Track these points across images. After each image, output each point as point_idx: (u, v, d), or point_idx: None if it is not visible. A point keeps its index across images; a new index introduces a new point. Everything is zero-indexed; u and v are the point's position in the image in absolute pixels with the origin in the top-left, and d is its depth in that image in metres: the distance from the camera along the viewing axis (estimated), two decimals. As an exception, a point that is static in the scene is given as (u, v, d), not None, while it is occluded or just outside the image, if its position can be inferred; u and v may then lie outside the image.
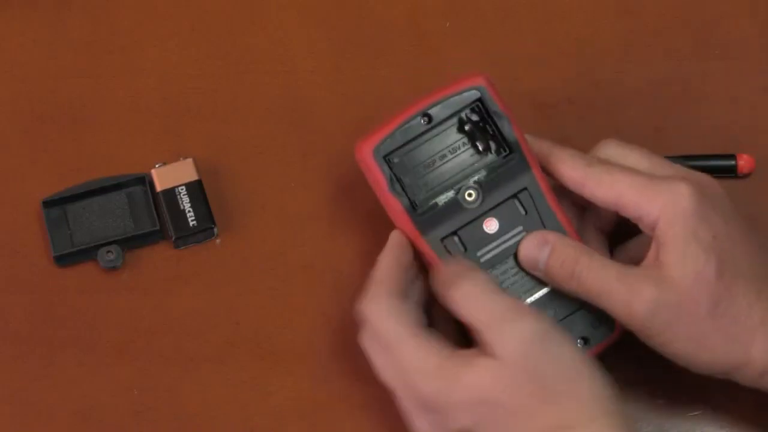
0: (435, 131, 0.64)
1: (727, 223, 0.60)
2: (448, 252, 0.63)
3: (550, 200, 0.64)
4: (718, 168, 0.70)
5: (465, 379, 0.57)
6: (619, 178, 0.61)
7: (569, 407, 0.56)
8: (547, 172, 0.64)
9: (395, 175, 0.63)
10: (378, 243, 0.66)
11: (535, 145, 0.64)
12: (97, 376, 0.66)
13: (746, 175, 0.71)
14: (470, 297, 0.59)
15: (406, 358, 0.58)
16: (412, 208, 0.63)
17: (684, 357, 0.59)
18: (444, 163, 0.64)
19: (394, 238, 0.63)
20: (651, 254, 0.59)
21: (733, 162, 0.70)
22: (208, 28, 0.77)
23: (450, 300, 0.59)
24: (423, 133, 0.64)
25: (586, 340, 0.63)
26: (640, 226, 0.61)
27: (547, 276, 0.62)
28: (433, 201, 0.64)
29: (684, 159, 0.69)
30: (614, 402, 0.57)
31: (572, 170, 0.62)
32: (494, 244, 0.64)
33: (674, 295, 0.58)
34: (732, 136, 0.73)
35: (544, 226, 0.63)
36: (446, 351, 0.58)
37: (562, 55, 0.76)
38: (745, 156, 0.70)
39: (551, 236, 0.62)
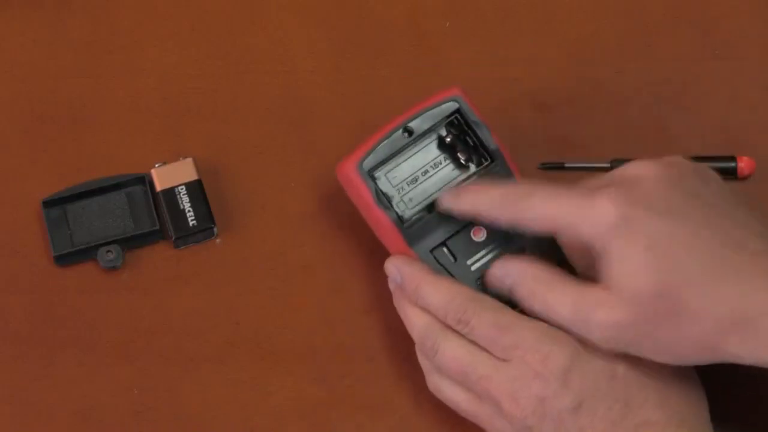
0: (416, 146, 0.65)
1: (670, 213, 0.56)
2: (438, 263, 0.63)
3: None
4: (718, 170, 0.70)
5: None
6: (548, 200, 0.58)
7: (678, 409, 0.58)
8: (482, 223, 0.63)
9: (380, 190, 0.64)
10: (378, 243, 0.66)
11: (460, 204, 0.63)
12: (97, 376, 0.66)
13: (746, 177, 0.71)
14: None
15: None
16: (400, 221, 0.63)
17: (663, 360, 0.57)
18: (427, 179, 0.65)
19: (393, 262, 0.64)
20: (601, 270, 0.57)
21: (733, 164, 0.70)
22: (208, 28, 0.77)
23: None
24: (405, 147, 0.64)
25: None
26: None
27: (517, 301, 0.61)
28: (420, 214, 0.64)
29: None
30: (704, 418, 0.59)
31: (499, 205, 0.60)
32: (483, 252, 0.64)
33: (626, 314, 0.55)
34: (732, 136, 0.73)
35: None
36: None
37: (562, 55, 0.76)
38: (745, 158, 0.70)
39: (513, 267, 0.61)
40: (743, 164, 0.70)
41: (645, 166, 0.58)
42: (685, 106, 0.74)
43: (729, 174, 0.70)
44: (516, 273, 0.60)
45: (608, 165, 0.70)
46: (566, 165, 0.71)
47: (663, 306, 0.55)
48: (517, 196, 0.60)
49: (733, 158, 0.70)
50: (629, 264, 0.55)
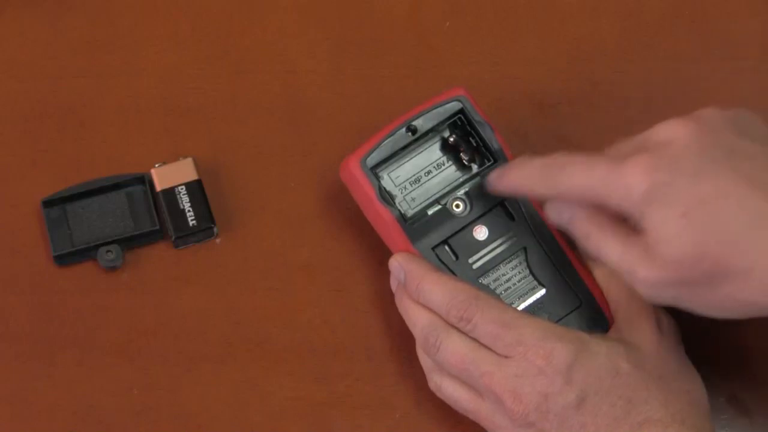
0: (420, 145, 0.65)
1: (704, 174, 0.54)
2: (440, 261, 0.63)
3: (536, 205, 0.64)
4: None
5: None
6: (585, 170, 0.58)
7: (680, 406, 0.58)
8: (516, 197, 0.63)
9: (383, 188, 0.64)
10: (378, 243, 0.66)
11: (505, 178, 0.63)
12: (97, 376, 0.66)
13: None
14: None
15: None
16: (402, 218, 0.63)
17: (707, 314, 0.56)
18: (430, 179, 0.65)
19: (398, 258, 0.64)
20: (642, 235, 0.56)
21: None
22: (208, 28, 0.77)
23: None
24: (408, 145, 0.64)
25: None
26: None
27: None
28: (422, 211, 0.64)
29: None
30: (706, 416, 0.59)
31: (538, 177, 0.60)
32: (485, 250, 0.64)
33: (666, 275, 0.55)
34: (732, 136, 0.73)
35: (532, 231, 0.64)
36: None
37: (562, 55, 0.76)
38: None
39: (568, 206, 0.60)
40: None
41: (675, 127, 0.56)
42: (684, 106, 0.74)
43: None
44: (572, 211, 0.59)
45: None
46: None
47: (704, 268, 0.54)
48: (554, 168, 0.59)
49: None
50: (665, 231, 0.54)
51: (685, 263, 0.54)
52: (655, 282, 0.55)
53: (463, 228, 0.64)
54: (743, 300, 0.54)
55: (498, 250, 0.64)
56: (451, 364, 0.60)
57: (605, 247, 0.57)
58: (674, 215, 0.54)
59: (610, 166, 0.56)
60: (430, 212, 0.64)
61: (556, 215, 0.60)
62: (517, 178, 0.62)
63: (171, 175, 0.70)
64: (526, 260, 0.64)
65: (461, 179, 0.65)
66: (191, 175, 0.70)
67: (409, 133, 0.65)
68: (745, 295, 0.54)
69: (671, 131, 0.56)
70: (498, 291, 0.63)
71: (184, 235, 0.69)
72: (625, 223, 0.57)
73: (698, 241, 0.54)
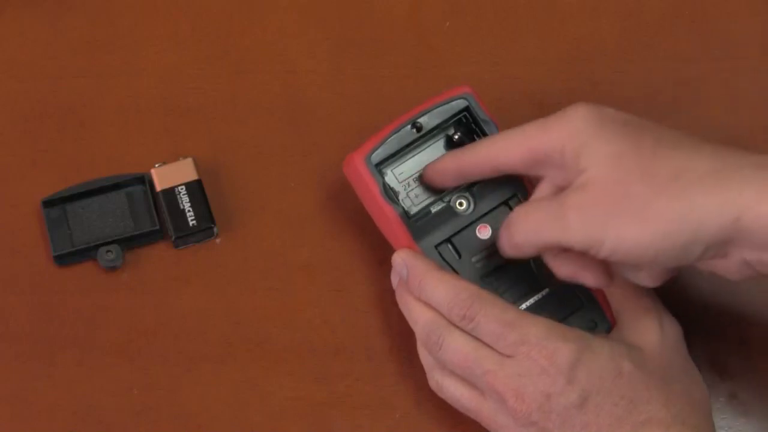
0: (424, 143, 0.65)
1: (639, 118, 0.58)
2: (443, 259, 0.63)
3: None
4: None
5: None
6: (520, 134, 0.60)
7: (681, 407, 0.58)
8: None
9: (387, 185, 0.64)
10: (378, 243, 0.66)
11: (441, 165, 0.64)
12: (97, 376, 0.66)
13: None
14: None
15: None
16: (406, 215, 0.63)
17: (640, 247, 0.55)
18: None
19: (401, 254, 0.64)
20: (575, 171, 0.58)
21: None
22: (208, 28, 0.77)
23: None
24: (413, 143, 0.64)
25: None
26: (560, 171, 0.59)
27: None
28: (426, 209, 0.64)
29: None
30: (707, 417, 0.59)
31: (476, 154, 0.62)
32: (488, 250, 0.64)
33: (595, 187, 0.56)
34: (732, 136, 0.72)
35: None
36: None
37: (562, 55, 0.76)
38: None
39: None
40: None
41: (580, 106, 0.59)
42: (685, 106, 0.74)
43: None
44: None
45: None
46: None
47: (640, 159, 0.56)
48: (488, 141, 0.62)
49: None
50: (604, 139, 0.57)
51: (617, 160, 0.56)
52: (581, 200, 0.56)
53: (466, 226, 0.64)
54: (675, 208, 0.55)
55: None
56: (454, 362, 0.60)
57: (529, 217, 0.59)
58: (614, 125, 0.57)
59: (547, 118, 0.60)
60: (433, 210, 0.64)
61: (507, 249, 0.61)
62: (456, 161, 0.63)
63: (171, 175, 0.70)
64: (529, 260, 0.64)
65: None
66: (191, 175, 0.70)
67: (414, 130, 0.64)
68: (676, 197, 0.55)
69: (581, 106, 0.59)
70: (500, 290, 0.63)
71: (184, 235, 0.69)
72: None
73: (636, 139, 0.57)
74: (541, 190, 0.60)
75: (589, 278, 0.59)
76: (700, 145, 0.57)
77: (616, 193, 0.56)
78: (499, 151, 0.61)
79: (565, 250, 0.58)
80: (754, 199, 0.53)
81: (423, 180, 0.64)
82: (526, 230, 0.59)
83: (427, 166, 0.64)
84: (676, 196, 0.55)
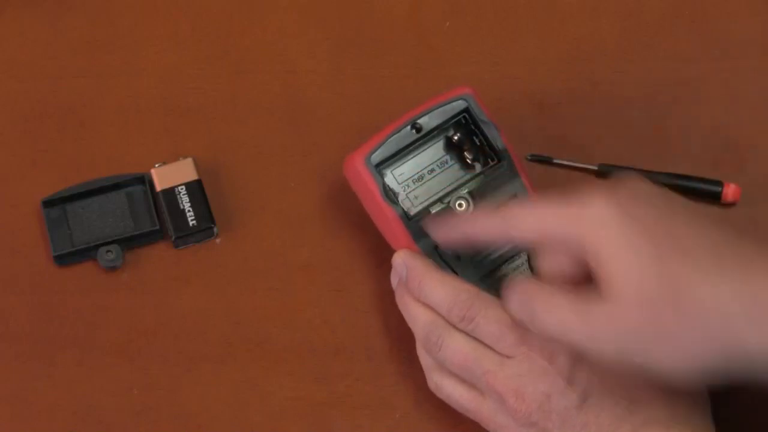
0: (424, 143, 0.65)
1: (659, 208, 0.55)
2: (443, 260, 0.63)
3: None
4: (703, 192, 0.69)
5: None
6: (537, 211, 0.57)
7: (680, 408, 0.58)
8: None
9: (386, 185, 0.64)
10: (377, 243, 0.66)
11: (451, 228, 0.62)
12: (97, 376, 0.66)
13: (731, 204, 0.70)
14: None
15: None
16: (405, 216, 0.63)
17: (671, 368, 0.54)
18: (433, 177, 0.65)
19: (401, 255, 0.63)
20: (597, 269, 0.54)
21: (719, 189, 0.69)
22: (208, 28, 0.77)
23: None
24: (413, 144, 0.64)
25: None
26: (579, 258, 0.56)
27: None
28: (425, 210, 0.64)
29: (671, 177, 0.69)
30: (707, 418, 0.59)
31: (490, 224, 0.59)
32: (487, 250, 0.64)
33: (628, 313, 0.53)
34: (732, 136, 0.73)
35: None
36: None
37: (562, 55, 0.76)
38: (732, 186, 0.69)
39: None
40: (729, 191, 0.69)
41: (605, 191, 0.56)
42: (685, 106, 0.74)
43: (712, 198, 0.69)
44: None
45: (596, 168, 0.70)
46: (554, 160, 0.71)
47: (665, 292, 0.52)
48: (505, 212, 0.59)
49: (719, 183, 0.69)
50: (628, 253, 0.53)
51: (648, 283, 0.52)
52: (617, 330, 0.53)
53: None
54: (707, 335, 0.52)
55: (500, 250, 0.64)
56: (453, 362, 0.60)
57: (557, 314, 0.56)
58: (638, 233, 0.53)
59: (567, 200, 0.56)
60: (433, 211, 0.64)
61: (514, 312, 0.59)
62: (466, 228, 0.61)
63: (171, 175, 0.70)
64: (528, 261, 0.64)
65: (464, 178, 0.65)
66: (191, 175, 0.70)
67: (414, 131, 0.64)
68: (708, 328, 0.52)
69: (606, 191, 0.56)
70: (500, 291, 0.63)
71: (184, 235, 0.69)
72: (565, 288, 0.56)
73: (658, 254, 0.53)
74: (560, 263, 0.58)
75: None
76: (721, 257, 0.53)
77: (645, 318, 0.53)
78: (511, 229, 0.58)
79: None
80: None
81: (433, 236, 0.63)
82: (552, 323, 0.56)
83: (436, 228, 0.62)
84: (707, 326, 0.52)
